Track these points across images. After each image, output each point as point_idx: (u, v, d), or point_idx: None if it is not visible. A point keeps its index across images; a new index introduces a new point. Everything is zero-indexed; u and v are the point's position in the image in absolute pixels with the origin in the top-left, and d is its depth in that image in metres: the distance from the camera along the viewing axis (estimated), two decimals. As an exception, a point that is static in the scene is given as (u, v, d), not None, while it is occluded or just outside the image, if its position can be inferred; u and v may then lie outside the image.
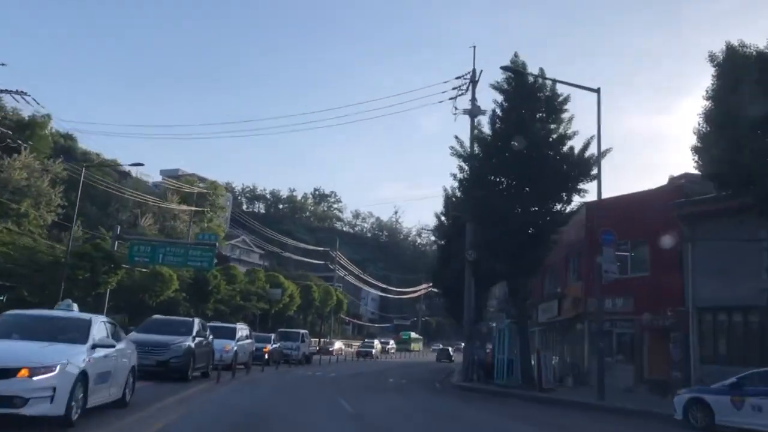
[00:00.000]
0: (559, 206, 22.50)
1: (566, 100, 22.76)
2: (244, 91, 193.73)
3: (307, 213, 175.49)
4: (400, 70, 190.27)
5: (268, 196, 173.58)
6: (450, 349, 71.16)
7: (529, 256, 21.79)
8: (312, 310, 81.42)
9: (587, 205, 22.99)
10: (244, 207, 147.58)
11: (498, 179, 22.75)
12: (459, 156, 23.10)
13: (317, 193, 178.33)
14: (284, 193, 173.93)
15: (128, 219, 66.80)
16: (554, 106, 22.70)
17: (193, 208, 62.91)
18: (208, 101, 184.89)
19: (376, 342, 71.89)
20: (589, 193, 22.63)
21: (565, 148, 22.41)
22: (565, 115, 22.69)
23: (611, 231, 19.63)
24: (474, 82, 29.58)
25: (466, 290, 27.56)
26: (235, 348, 24.54)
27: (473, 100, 29.07)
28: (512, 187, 22.35)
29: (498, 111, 22.89)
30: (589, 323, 25.38)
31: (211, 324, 26.11)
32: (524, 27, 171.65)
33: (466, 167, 23.26)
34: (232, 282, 58.18)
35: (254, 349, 27.68)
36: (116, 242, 41.32)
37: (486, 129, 23.97)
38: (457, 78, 29.87)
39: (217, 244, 41.97)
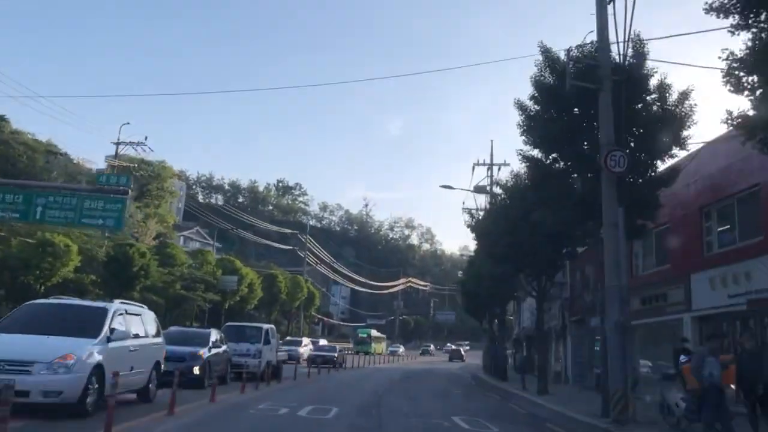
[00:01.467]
0: None
1: None
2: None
3: (270, 206, 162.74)
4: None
5: (227, 186, 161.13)
6: (461, 349, 72.23)
7: None
8: (277, 305, 66.90)
9: None
10: (201, 198, 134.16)
11: None
12: None
13: (281, 184, 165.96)
14: (245, 184, 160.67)
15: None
16: None
17: (123, 163, 47.66)
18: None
19: (302, 341, 47.01)
20: None
21: None
22: None
23: None
24: None
25: (606, 229, 13.41)
26: (98, 359, 9.85)
27: None
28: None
29: None
30: None
31: (32, 303, 11.39)
32: None
33: None
34: (169, 264, 43.34)
35: (161, 358, 12.97)
36: (-31, 190, 26.01)
37: None
38: None
39: (129, 192, 26.65)
